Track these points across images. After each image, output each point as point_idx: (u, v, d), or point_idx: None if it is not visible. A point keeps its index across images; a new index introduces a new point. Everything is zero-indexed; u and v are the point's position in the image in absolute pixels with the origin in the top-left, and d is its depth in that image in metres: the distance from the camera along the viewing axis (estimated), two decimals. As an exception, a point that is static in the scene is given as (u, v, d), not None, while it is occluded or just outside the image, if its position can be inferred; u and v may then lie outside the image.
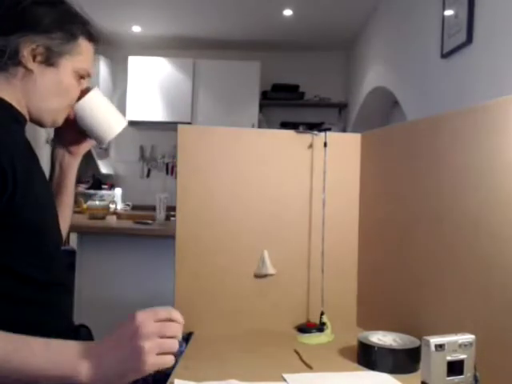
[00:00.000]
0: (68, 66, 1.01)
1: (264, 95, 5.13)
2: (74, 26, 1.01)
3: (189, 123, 4.86)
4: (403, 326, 1.23)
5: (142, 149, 5.42)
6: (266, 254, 1.45)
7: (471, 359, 0.88)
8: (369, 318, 1.45)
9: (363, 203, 1.49)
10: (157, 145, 5.36)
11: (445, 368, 0.87)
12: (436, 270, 1.17)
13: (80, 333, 1.09)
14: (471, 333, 0.90)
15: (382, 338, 1.16)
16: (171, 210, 2.32)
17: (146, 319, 0.73)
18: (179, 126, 1.43)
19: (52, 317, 0.98)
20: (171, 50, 5.20)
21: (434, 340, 0.86)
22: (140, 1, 4.10)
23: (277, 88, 5.15)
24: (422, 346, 0.89)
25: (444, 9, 2.46)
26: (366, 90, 4.26)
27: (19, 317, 0.91)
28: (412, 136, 1.29)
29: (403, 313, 1.29)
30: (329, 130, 1.36)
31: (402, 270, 1.31)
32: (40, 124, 1.05)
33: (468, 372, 0.88)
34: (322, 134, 1.46)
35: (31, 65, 0.96)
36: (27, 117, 1.01)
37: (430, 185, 1.20)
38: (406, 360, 1.09)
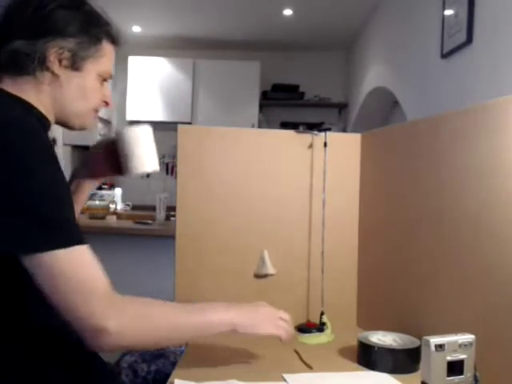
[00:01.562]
0: (92, 69, 1.01)
1: (264, 95, 5.13)
2: (98, 29, 1.01)
3: (189, 123, 4.86)
4: (403, 326, 1.23)
5: (142, 149, 5.40)
6: (266, 254, 1.45)
7: (471, 359, 0.88)
8: (369, 318, 1.45)
9: (363, 203, 1.49)
10: (157, 145, 5.35)
11: (445, 368, 0.87)
12: (436, 270, 1.17)
13: None
14: (471, 333, 0.90)
15: (382, 338, 1.16)
16: (171, 210, 2.32)
17: (270, 307, 1.08)
18: (179, 126, 1.43)
19: None
20: (171, 50, 5.20)
21: (434, 340, 0.86)
22: (140, 1, 4.10)
23: (277, 88, 5.14)
24: (422, 346, 0.89)
25: (444, 9, 2.46)
26: (365, 90, 4.26)
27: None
28: (412, 136, 1.29)
29: (403, 313, 1.29)
30: (329, 129, 1.36)
31: (402, 270, 1.31)
32: (67, 126, 1.05)
33: (468, 372, 0.88)
34: (322, 133, 1.46)
35: (58, 70, 0.96)
36: (52, 121, 1.02)
37: (430, 185, 1.20)
38: (406, 360, 1.09)
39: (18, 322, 0.87)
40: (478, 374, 0.89)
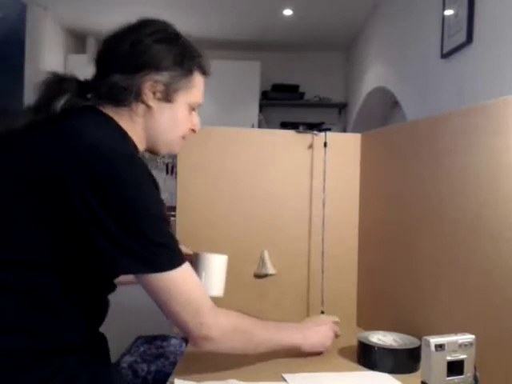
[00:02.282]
0: (183, 100, 1.05)
1: (264, 95, 5.12)
2: (191, 62, 1.06)
3: (189, 123, 4.85)
4: (403, 325, 1.23)
5: (142, 149, 5.40)
6: (266, 253, 1.45)
7: (471, 359, 0.88)
8: (369, 318, 1.45)
9: (363, 203, 1.48)
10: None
11: (445, 368, 0.86)
12: (436, 270, 1.17)
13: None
14: (471, 333, 0.90)
15: (382, 338, 1.16)
16: (171, 210, 2.32)
17: (331, 322, 1.21)
18: (179, 126, 1.43)
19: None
20: (171, 50, 5.20)
21: (434, 340, 0.86)
22: (140, 1, 4.10)
23: (277, 88, 5.14)
24: (422, 346, 0.89)
25: (444, 9, 2.46)
26: (366, 90, 4.25)
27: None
28: (412, 136, 1.29)
29: (403, 313, 1.29)
30: (329, 130, 1.36)
31: (402, 270, 1.31)
32: (155, 153, 1.09)
33: (468, 372, 0.88)
34: (322, 133, 1.46)
35: (151, 101, 1.01)
36: (141, 149, 1.06)
37: (430, 185, 1.20)
38: (405, 360, 1.09)
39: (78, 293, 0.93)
40: (477, 373, 0.89)
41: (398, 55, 3.37)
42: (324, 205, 1.44)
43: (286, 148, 1.46)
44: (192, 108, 1.09)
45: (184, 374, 1.02)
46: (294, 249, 1.46)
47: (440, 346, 0.86)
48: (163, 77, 1.00)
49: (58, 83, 1.00)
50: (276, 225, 1.46)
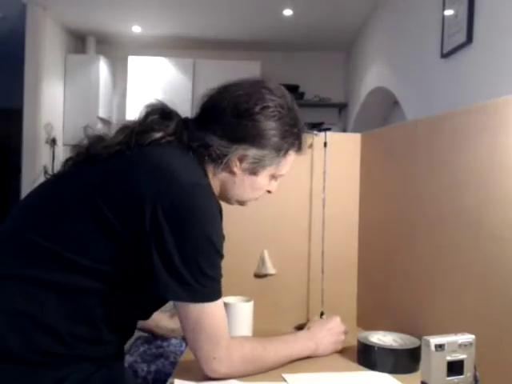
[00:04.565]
0: (268, 173, 1.06)
1: (264, 95, 5.12)
2: (289, 144, 1.05)
3: (189, 123, 4.85)
4: (403, 325, 1.23)
5: (142, 149, 5.40)
6: (266, 253, 1.45)
7: (471, 359, 0.88)
8: (369, 318, 1.45)
9: (363, 203, 1.48)
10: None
11: (445, 368, 0.87)
12: (436, 270, 1.17)
13: None
14: (471, 333, 0.90)
15: (382, 338, 1.16)
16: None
17: (341, 323, 1.23)
18: (179, 126, 1.43)
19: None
20: (171, 50, 5.20)
21: (434, 340, 0.86)
22: (140, 1, 4.10)
23: (277, 88, 5.14)
24: (422, 346, 0.89)
25: (444, 9, 2.46)
26: (366, 90, 4.25)
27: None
28: (412, 136, 1.29)
29: (403, 313, 1.29)
30: (329, 130, 1.36)
31: (402, 270, 1.31)
32: (224, 201, 1.10)
33: (468, 372, 0.88)
34: (322, 133, 1.46)
35: (237, 169, 1.02)
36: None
37: (430, 185, 1.20)
38: (405, 360, 1.09)
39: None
40: (477, 373, 0.89)
41: (398, 55, 3.37)
42: (324, 205, 1.44)
43: (285, 148, 1.46)
44: (274, 178, 1.09)
45: (184, 374, 1.02)
46: (294, 249, 1.46)
47: (440, 346, 0.86)
48: (256, 153, 1.01)
49: (161, 117, 1.03)
50: (276, 225, 1.46)
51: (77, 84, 4.88)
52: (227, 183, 1.05)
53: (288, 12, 4.24)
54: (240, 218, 1.43)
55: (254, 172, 1.03)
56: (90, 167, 0.97)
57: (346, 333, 1.23)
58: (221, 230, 0.96)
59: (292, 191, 1.46)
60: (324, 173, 1.45)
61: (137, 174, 0.92)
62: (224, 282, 1.42)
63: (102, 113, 4.96)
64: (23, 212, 0.98)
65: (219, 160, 1.00)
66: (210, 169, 1.01)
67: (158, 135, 0.98)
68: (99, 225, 0.89)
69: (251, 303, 1.34)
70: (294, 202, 1.47)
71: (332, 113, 5.32)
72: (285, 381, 1.02)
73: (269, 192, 1.12)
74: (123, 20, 4.61)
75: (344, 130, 5.06)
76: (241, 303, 1.33)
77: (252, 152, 1.00)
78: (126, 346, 1.52)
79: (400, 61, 3.33)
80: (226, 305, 1.32)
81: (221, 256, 0.96)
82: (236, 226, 1.43)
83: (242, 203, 1.12)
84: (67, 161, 1.01)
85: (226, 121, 1.00)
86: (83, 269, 0.89)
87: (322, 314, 1.41)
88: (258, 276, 1.45)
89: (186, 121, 1.05)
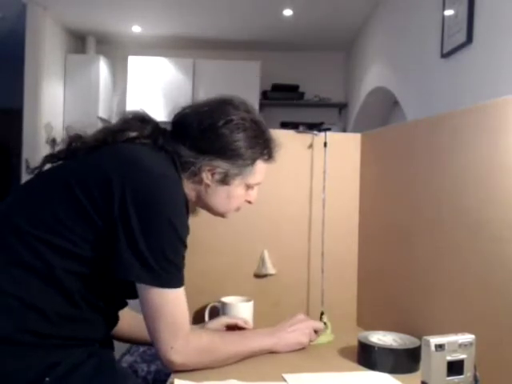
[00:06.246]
0: (241, 183, 1.10)
1: (264, 95, 5.13)
2: (257, 154, 1.10)
3: (189, 123, 4.84)
4: (403, 325, 1.23)
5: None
6: (266, 253, 1.45)
7: (471, 359, 0.88)
8: (369, 318, 1.45)
9: (363, 203, 1.48)
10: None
11: (445, 368, 0.86)
12: (436, 270, 1.17)
13: None
14: (471, 333, 0.90)
15: (382, 338, 1.16)
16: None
17: (308, 320, 1.25)
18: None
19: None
20: (171, 50, 5.20)
21: (434, 340, 0.86)
22: (140, 1, 4.10)
23: (277, 88, 5.14)
24: (422, 346, 0.89)
25: (444, 9, 2.46)
26: (366, 90, 4.26)
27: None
28: (412, 136, 1.29)
29: (403, 313, 1.29)
30: (329, 130, 1.36)
31: (402, 270, 1.31)
32: (208, 212, 1.17)
33: (468, 372, 0.88)
34: (322, 133, 1.46)
35: (209, 181, 1.07)
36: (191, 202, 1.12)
37: (430, 184, 1.20)
38: (405, 360, 1.09)
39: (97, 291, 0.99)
40: (477, 373, 0.89)
41: (398, 55, 3.37)
42: (324, 205, 1.44)
43: (286, 148, 1.45)
44: (250, 187, 1.13)
45: (184, 374, 1.02)
46: (294, 249, 1.46)
47: (440, 346, 0.86)
48: (225, 165, 1.06)
49: (138, 120, 1.09)
50: (276, 225, 1.46)
51: (77, 84, 4.89)
52: (201, 192, 1.10)
53: (288, 12, 4.24)
54: (240, 218, 1.43)
55: (225, 182, 1.08)
56: (71, 161, 1.05)
57: (317, 331, 1.24)
58: (186, 221, 1.00)
59: (292, 191, 1.46)
60: (324, 173, 1.45)
61: (108, 161, 0.98)
62: (224, 281, 1.43)
63: (101, 113, 4.96)
64: (12, 199, 1.04)
65: (190, 169, 1.05)
66: (183, 176, 1.06)
67: (133, 134, 1.05)
68: (75, 210, 0.94)
69: (251, 303, 1.34)
70: (293, 202, 1.47)
71: (332, 113, 5.32)
72: (285, 381, 1.02)
73: (249, 202, 1.17)
74: (123, 20, 4.61)
75: (344, 130, 5.06)
76: (241, 303, 1.34)
77: (219, 163, 1.05)
78: (126, 346, 1.52)
79: (400, 61, 3.33)
80: (226, 305, 1.33)
81: (184, 246, 0.99)
82: (236, 226, 1.43)
83: (221, 215, 1.17)
84: (48, 157, 1.08)
85: (194, 135, 1.06)
86: (63, 252, 0.94)
87: (322, 313, 1.41)
88: (257, 276, 1.45)
89: (162, 129, 1.11)
